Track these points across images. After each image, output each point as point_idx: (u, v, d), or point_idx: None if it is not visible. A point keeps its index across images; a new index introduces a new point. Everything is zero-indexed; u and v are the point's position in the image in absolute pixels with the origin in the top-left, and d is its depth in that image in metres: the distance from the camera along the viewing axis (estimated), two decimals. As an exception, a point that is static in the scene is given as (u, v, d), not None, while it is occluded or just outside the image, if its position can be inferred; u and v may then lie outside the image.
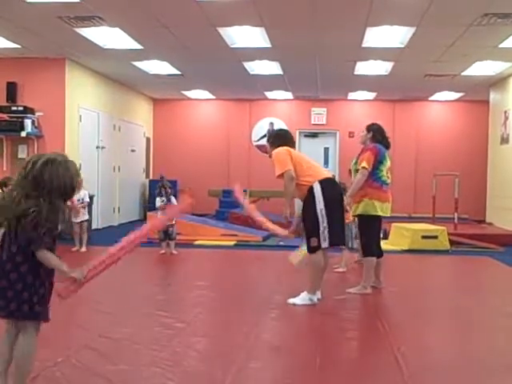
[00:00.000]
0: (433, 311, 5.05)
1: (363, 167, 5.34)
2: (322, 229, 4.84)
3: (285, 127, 14.04)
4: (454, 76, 10.87)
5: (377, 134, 5.57)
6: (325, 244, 4.86)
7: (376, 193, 5.37)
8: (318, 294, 5.01)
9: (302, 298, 4.93)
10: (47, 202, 2.55)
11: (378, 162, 5.38)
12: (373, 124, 5.71)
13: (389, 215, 5.55)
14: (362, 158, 5.42)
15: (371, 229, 5.46)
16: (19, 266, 2.55)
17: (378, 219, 5.45)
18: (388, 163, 5.53)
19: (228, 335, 4.06)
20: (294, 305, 4.90)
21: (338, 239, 5.02)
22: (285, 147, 5.09)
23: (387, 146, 5.61)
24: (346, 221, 6.35)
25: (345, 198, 5.36)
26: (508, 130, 11.15)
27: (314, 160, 5.38)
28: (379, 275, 5.66)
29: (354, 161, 5.72)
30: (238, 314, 4.67)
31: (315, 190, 4.87)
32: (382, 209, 5.39)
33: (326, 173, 5.18)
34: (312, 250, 4.91)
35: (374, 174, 5.37)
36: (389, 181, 5.52)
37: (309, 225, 4.94)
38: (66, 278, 2.63)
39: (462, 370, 3.43)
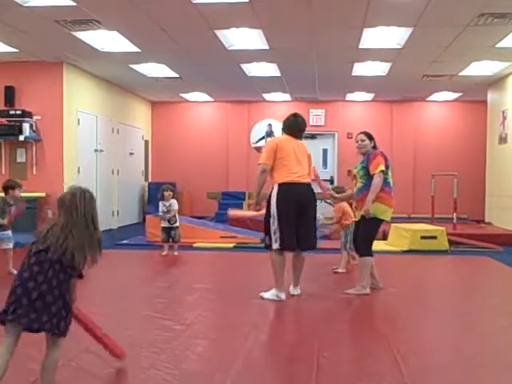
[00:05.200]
0: (432, 312, 5.05)
1: (381, 171, 5.33)
2: (272, 230, 5.06)
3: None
4: (452, 76, 10.88)
5: (374, 141, 5.60)
6: (275, 245, 5.06)
7: (386, 198, 5.40)
8: (283, 295, 5.12)
9: (270, 293, 5.13)
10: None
11: (387, 166, 5.42)
12: (367, 132, 5.69)
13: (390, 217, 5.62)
14: (375, 163, 5.35)
15: (373, 231, 5.50)
16: (61, 284, 2.65)
17: (380, 222, 5.50)
18: None
19: (227, 337, 4.06)
20: (262, 298, 5.13)
21: (288, 244, 5.08)
22: (283, 137, 5.34)
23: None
24: (347, 223, 6.41)
25: (364, 204, 5.32)
26: (506, 129, 11.17)
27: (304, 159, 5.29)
28: (374, 275, 5.66)
29: (358, 166, 5.54)
30: (237, 316, 4.67)
31: (273, 192, 5.10)
32: (387, 214, 5.45)
33: (296, 176, 5.09)
34: (266, 247, 5.19)
35: (384, 178, 5.41)
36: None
37: (265, 222, 5.16)
38: None
39: (462, 371, 3.43)
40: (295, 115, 5.46)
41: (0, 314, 2.63)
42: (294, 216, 5.03)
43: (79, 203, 2.69)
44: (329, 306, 5.01)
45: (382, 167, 5.33)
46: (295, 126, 5.37)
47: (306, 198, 5.12)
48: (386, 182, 5.40)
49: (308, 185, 5.18)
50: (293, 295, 5.26)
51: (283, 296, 5.10)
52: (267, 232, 5.12)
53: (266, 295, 5.15)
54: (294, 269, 5.31)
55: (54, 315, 2.63)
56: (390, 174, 5.48)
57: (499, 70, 10.47)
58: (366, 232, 5.50)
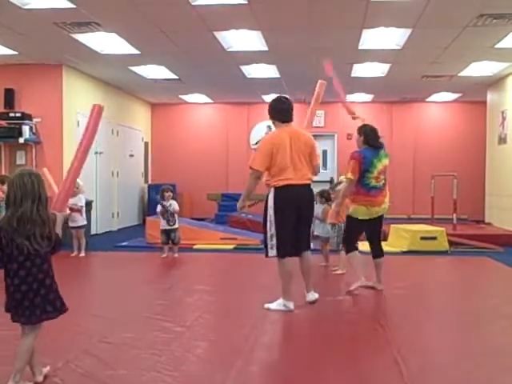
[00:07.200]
0: (432, 312, 5.05)
1: (348, 178, 5.38)
2: (269, 236, 4.75)
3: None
4: (452, 77, 10.88)
5: (367, 137, 5.52)
6: (272, 252, 4.74)
7: (364, 198, 5.39)
8: (291, 304, 4.81)
9: (277, 304, 4.83)
10: None
11: (364, 169, 5.35)
12: (363, 126, 5.67)
13: (377, 216, 5.52)
14: (348, 167, 5.43)
15: (354, 229, 5.56)
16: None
17: (362, 222, 5.49)
18: (382, 163, 5.45)
19: (227, 339, 4.05)
20: (269, 309, 4.80)
21: (287, 250, 4.75)
22: (277, 133, 4.89)
23: (379, 147, 5.52)
24: (339, 220, 6.37)
25: (333, 206, 5.70)
26: (506, 130, 11.17)
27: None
28: (380, 276, 5.66)
29: None
30: (237, 318, 4.66)
31: (269, 197, 4.78)
32: (368, 213, 5.44)
33: (294, 178, 4.75)
34: (265, 254, 4.85)
35: (360, 181, 5.38)
36: (381, 183, 5.46)
37: (263, 227, 4.86)
38: None
39: (462, 371, 3.42)
40: (276, 98, 5.00)
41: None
42: (294, 220, 4.74)
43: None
44: (329, 307, 5.00)
45: (350, 175, 5.35)
46: (283, 108, 4.91)
47: (304, 200, 4.84)
48: (363, 183, 5.38)
49: (307, 185, 4.86)
50: (310, 302, 4.98)
51: (291, 306, 4.78)
52: (265, 240, 4.83)
53: (273, 306, 4.81)
54: (302, 273, 4.99)
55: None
56: (370, 175, 5.37)
57: (499, 70, 10.47)
58: (347, 230, 5.64)
